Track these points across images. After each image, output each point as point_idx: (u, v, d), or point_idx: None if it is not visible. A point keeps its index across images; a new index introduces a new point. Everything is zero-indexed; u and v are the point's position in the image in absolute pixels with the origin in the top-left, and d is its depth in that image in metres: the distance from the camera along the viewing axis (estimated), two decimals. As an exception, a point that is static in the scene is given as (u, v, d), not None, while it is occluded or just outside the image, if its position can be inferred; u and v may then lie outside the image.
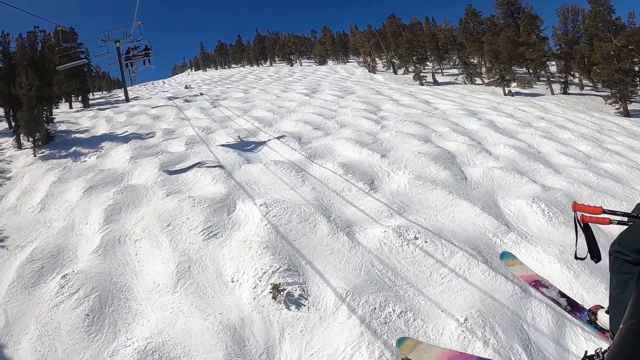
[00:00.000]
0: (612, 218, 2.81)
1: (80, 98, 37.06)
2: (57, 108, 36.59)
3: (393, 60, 53.37)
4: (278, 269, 7.36)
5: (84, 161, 15.28)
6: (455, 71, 51.95)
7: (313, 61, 76.30)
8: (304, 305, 6.90)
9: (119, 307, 7.35)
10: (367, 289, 7.24)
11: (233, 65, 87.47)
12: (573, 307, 4.33)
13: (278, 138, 15.01)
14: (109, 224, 9.75)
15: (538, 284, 5.04)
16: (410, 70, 50.61)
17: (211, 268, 7.83)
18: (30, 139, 17.42)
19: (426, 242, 8.77)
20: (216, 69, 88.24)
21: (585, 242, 2.88)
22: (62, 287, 7.71)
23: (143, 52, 30.40)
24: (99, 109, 29.62)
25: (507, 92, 38.25)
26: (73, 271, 8.15)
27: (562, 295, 4.59)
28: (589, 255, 2.88)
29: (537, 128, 19.67)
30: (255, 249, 7.90)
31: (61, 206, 11.54)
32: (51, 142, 19.45)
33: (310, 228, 8.83)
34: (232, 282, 7.47)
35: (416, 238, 8.83)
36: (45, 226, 10.76)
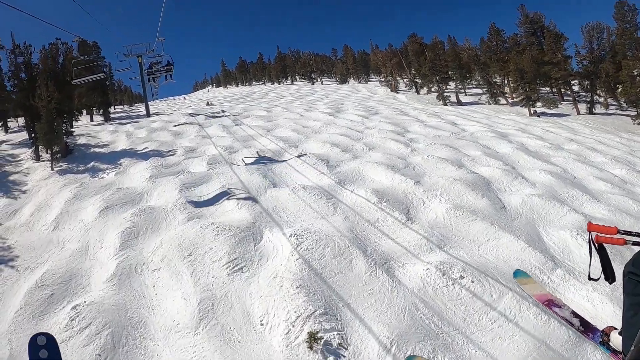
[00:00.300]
0: (627, 238, 2.79)
1: (101, 111, 37.07)
2: (78, 121, 36.80)
3: (415, 79, 52.71)
4: (314, 312, 6.48)
5: (102, 177, 14.73)
6: (478, 91, 51.08)
7: (334, 80, 76.11)
8: (344, 357, 6.02)
9: (133, 346, 6.56)
10: (412, 337, 6.38)
11: (254, 83, 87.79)
12: (586, 327, 4.27)
13: (305, 160, 14.23)
14: (125, 250, 9.03)
15: (551, 303, 4.96)
16: (432, 89, 49.90)
17: (237, 307, 6.98)
18: (49, 152, 17.02)
19: (472, 281, 7.86)
20: (237, 86, 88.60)
21: (599, 263, 2.87)
22: (72, 320, 7.01)
23: (165, 67, 30.24)
24: (119, 123, 29.38)
25: (532, 112, 37.25)
26: (85, 301, 7.44)
27: (575, 315, 4.51)
28: (603, 276, 2.87)
29: (569, 151, 18.76)
30: (287, 287, 7.03)
31: (76, 226, 10.91)
32: (70, 156, 19.08)
33: (346, 264, 7.96)
34: (261, 325, 6.60)
35: (461, 277, 7.92)
36: (57, 247, 10.13)
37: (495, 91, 44.72)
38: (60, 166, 16.95)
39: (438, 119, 26.22)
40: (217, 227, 8.96)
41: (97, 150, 20.08)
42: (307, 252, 8.03)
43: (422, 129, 21.75)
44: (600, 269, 2.84)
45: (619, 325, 3.01)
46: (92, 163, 16.73)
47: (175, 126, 19.07)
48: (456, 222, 10.28)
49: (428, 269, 8.03)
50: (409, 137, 19.30)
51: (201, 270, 7.82)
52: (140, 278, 8.09)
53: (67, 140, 20.56)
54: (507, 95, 45.24)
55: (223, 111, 30.82)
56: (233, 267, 7.81)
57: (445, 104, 42.39)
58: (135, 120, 30.82)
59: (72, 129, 22.01)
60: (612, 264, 2.82)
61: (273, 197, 11.07)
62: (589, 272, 3.06)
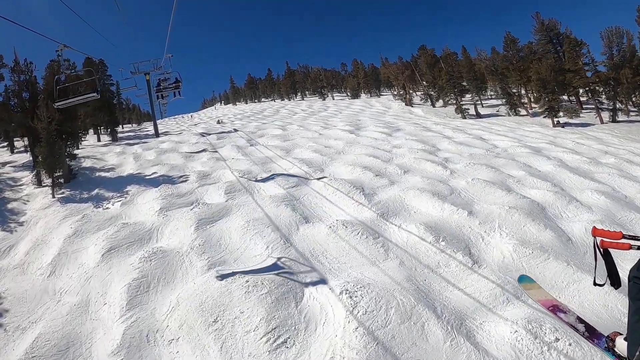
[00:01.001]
0: (632, 243, 2.87)
1: (109, 131, 35.79)
2: (85, 140, 35.54)
3: (430, 92, 51.13)
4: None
5: (107, 208, 13.10)
6: (494, 102, 49.61)
7: (345, 95, 74.89)
8: None
9: None
10: None
11: (263, 99, 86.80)
12: (591, 333, 4.21)
13: (337, 188, 12.45)
14: (133, 309, 7.29)
15: (556, 308, 4.89)
16: (448, 102, 48.37)
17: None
18: (50, 178, 15.52)
19: (570, 344, 6.08)
20: (246, 103, 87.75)
21: (604, 268, 2.96)
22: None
23: (173, 84, 29.25)
24: (127, 144, 27.97)
25: (555, 123, 35.87)
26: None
27: (581, 320, 4.48)
28: (608, 282, 2.98)
29: (608, 165, 17.09)
30: (352, 375, 5.24)
31: (75, 272, 9.23)
32: (74, 181, 17.65)
33: (418, 331, 6.14)
34: None
35: (557, 339, 6.13)
36: (54, 299, 8.44)
37: (514, 102, 43.02)
38: (62, 193, 15.44)
39: (464, 134, 24.47)
40: (247, 282, 7.16)
41: (102, 174, 18.56)
42: (367, 317, 6.21)
43: (452, 146, 20.02)
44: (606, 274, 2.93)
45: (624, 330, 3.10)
46: (96, 190, 15.17)
47: (190, 153, 17.40)
48: (528, 262, 8.52)
49: (516, 331, 6.26)
50: (442, 157, 17.57)
51: (233, 343, 6.01)
52: (155, 351, 6.32)
53: (71, 164, 19.12)
54: (526, 105, 43.64)
55: (235, 130, 29.28)
56: (274, 341, 5.97)
57: (464, 117, 40.81)
58: (143, 140, 29.36)
59: (76, 152, 20.48)
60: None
61: (308, 237, 9.29)
62: (594, 278, 3.08)
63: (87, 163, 21.33)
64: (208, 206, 11.41)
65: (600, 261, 2.92)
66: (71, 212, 13.08)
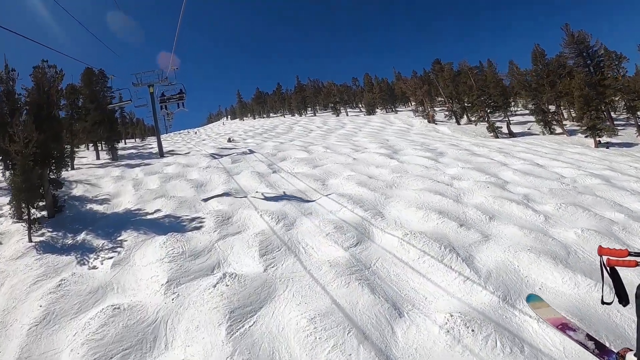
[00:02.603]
0: (638, 260, 2.89)
1: (108, 148, 32.48)
2: (84, 157, 32.25)
3: (454, 109, 47.65)
4: None
5: (93, 267, 9.55)
6: (519, 118, 46.31)
7: (358, 110, 71.58)
8: None
9: None
10: None
11: (271, 115, 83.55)
12: (601, 350, 4.19)
13: (420, 249, 8.68)
14: None
15: (565, 327, 4.84)
16: (472, 119, 44.99)
17: None
18: (25, 216, 12.09)
19: None
20: (254, 118, 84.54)
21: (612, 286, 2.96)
22: None
23: (177, 95, 26.21)
24: (127, 165, 24.49)
25: (597, 142, 33.04)
26: None
27: (590, 338, 4.46)
28: (616, 300, 2.99)
29: None
30: None
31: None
32: (59, 215, 14.33)
33: None
34: None
35: None
36: None
37: (549, 119, 39.56)
38: (42, 235, 12.14)
39: (518, 160, 20.80)
40: None
41: (94, 207, 15.05)
42: None
43: (520, 178, 16.43)
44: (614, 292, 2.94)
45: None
46: (83, 234, 11.73)
47: (205, 200, 13.85)
48: None
49: None
50: (518, 193, 14.00)
51: None
52: None
53: (56, 193, 15.64)
54: (562, 123, 40.33)
55: (251, 151, 25.68)
56: None
57: (497, 136, 37.25)
58: (146, 161, 25.81)
59: (65, 175, 17.00)
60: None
61: (416, 350, 5.60)
62: (602, 296, 3.17)
63: (78, 190, 17.81)
64: (239, 281, 7.66)
65: (608, 279, 2.88)
66: (47, 271, 9.56)
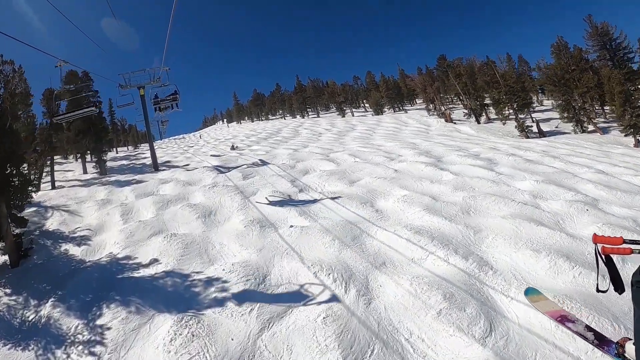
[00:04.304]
0: (633, 248, 2.83)
1: (96, 161, 28.79)
2: (70, 171, 28.81)
3: (473, 107, 44.07)
4: None
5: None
6: (540, 115, 43.09)
7: (363, 110, 67.87)
8: None
9: None
10: None
11: (270, 117, 79.70)
12: (601, 340, 4.10)
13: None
14: None
15: (564, 319, 4.74)
16: (496, 117, 41.60)
17: None
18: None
19: None
20: (252, 121, 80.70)
21: (607, 274, 2.87)
22: None
23: (171, 96, 22.79)
24: (116, 181, 20.76)
25: (637, 142, 30.61)
26: None
27: (590, 329, 4.35)
28: (611, 287, 2.89)
29: None
30: None
31: None
32: (24, 263, 10.89)
33: None
34: None
35: None
36: None
37: (580, 116, 36.28)
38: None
39: (581, 168, 16.94)
40: None
41: (70, 249, 11.50)
42: None
43: (605, 193, 12.62)
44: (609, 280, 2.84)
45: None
46: (49, 306, 8.14)
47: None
48: None
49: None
50: (623, 216, 10.27)
51: None
52: None
53: (18, 232, 12.16)
54: (594, 120, 37.15)
55: (262, 161, 21.86)
56: None
57: (528, 136, 33.81)
58: (137, 176, 22.00)
59: (24, 216, 13.27)
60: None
61: None
62: (597, 284, 3.10)
63: (53, 221, 14.16)
64: None
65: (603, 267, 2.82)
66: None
